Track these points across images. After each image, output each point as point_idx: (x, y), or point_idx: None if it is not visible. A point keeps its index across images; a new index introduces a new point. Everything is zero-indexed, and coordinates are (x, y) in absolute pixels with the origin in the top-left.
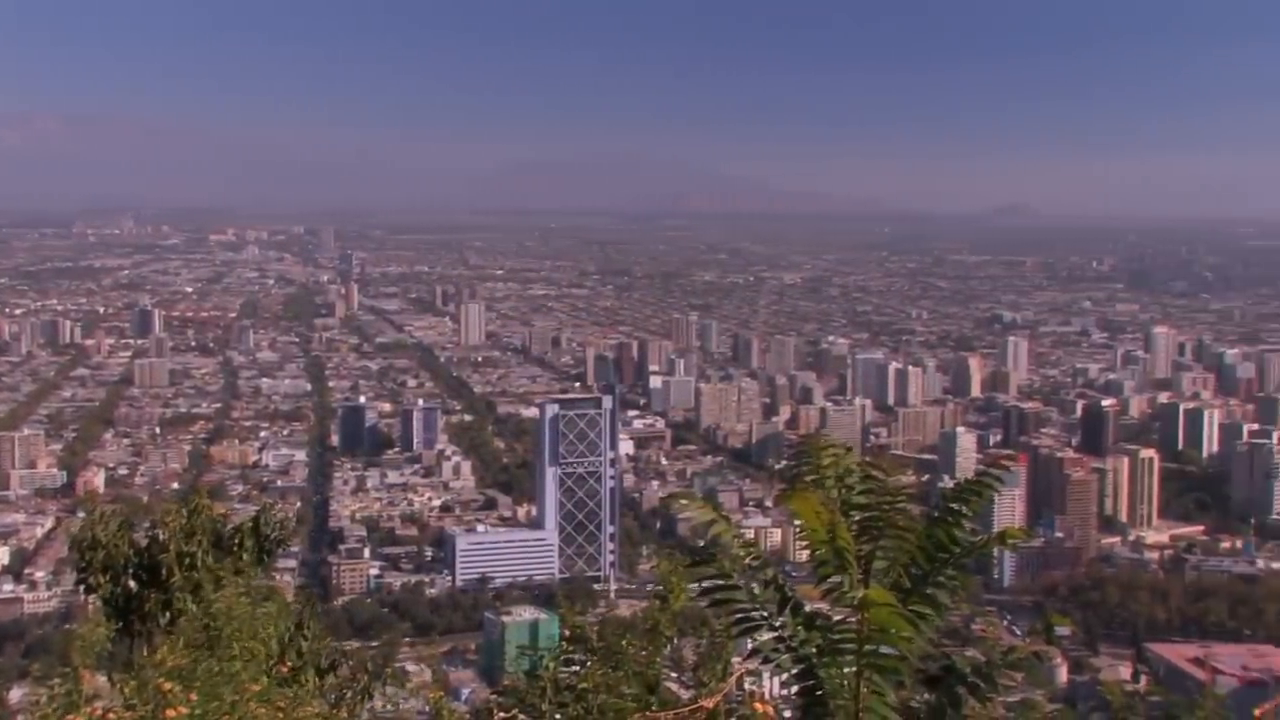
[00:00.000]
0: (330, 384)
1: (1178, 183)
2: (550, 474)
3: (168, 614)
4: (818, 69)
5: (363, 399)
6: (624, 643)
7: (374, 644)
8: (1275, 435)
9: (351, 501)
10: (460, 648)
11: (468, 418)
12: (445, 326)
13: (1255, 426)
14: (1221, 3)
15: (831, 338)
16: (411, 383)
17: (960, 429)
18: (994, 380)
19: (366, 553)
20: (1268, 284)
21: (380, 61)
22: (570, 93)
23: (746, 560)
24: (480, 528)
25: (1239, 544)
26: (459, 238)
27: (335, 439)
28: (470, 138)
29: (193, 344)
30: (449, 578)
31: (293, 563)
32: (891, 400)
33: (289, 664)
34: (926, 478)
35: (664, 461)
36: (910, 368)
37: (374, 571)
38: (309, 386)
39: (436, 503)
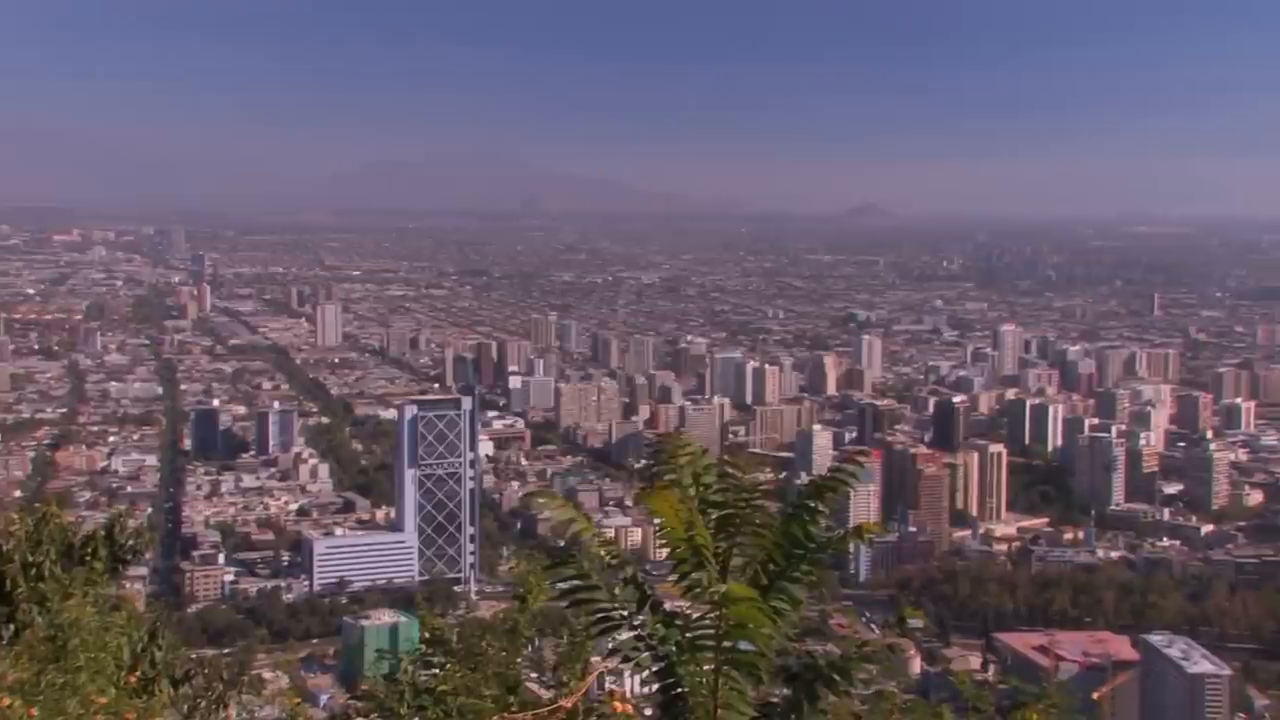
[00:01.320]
0: (182, 387)
1: (1023, 184)
2: (409, 476)
3: (11, 627)
4: (672, 70)
5: (216, 402)
6: (484, 644)
7: (229, 651)
8: (1114, 429)
9: (205, 506)
10: (318, 653)
11: (325, 420)
12: (301, 328)
13: (1095, 421)
14: (1067, 7)
15: (690, 337)
16: (267, 385)
17: (816, 426)
18: (849, 378)
19: (221, 559)
20: (1106, 283)
21: (230, 59)
22: (422, 92)
23: (606, 559)
24: (338, 531)
25: (1080, 534)
26: (314, 238)
27: (188, 443)
28: (323, 138)
29: (36, 347)
30: (306, 582)
31: (144, 571)
32: (749, 399)
33: (140, 674)
34: (783, 475)
35: (524, 462)
36: (767, 366)
37: (229, 578)
38: (160, 390)
39: (293, 506)
